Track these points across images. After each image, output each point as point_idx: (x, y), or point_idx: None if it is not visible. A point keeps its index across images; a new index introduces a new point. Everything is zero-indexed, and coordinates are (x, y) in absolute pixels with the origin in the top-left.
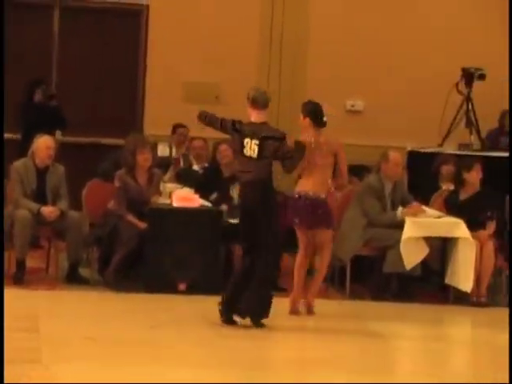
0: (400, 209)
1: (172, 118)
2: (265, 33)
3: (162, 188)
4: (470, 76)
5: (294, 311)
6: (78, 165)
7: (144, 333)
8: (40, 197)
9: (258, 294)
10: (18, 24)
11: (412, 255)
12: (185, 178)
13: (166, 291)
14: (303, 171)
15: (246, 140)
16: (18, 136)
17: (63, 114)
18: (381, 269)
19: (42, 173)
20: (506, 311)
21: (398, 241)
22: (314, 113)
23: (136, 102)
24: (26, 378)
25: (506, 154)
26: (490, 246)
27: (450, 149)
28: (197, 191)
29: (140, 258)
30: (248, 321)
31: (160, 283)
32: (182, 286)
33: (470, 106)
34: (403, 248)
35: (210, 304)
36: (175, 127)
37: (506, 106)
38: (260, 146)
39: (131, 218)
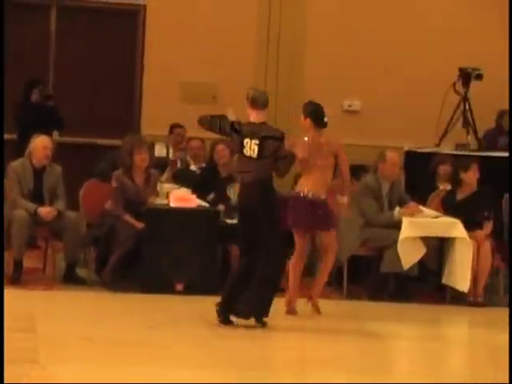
0: (397, 209)
1: (169, 118)
2: (262, 33)
3: (159, 188)
4: (467, 76)
5: (290, 311)
6: (75, 165)
7: (141, 333)
8: (37, 197)
9: (258, 293)
10: (15, 24)
11: (409, 255)
12: (182, 178)
13: (163, 291)
14: (303, 171)
15: (246, 140)
16: (15, 136)
17: (60, 114)
18: (378, 269)
19: (39, 173)
20: (503, 311)
21: (396, 241)
22: (315, 113)
23: (133, 102)
24: (25, 377)
25: (503, 154)
26: (487, 246)
27: (447, 149)
28: (194, 191)
29: (137, 258)
30: (242, 320)
31: (157, 283)
32: (179, 287)
33: (467, 106)
34: (400, 248)
35: (207, 304)
36: (172, 127)
37: (503, 106)
38: (260, 146)
39: (128, 218)
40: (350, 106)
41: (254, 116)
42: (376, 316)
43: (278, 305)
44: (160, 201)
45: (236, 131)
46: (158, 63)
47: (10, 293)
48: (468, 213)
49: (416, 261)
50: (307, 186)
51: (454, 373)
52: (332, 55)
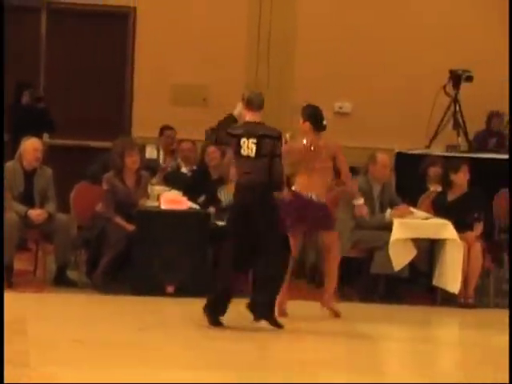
0: (388, 211)
1: (160, 120)
2: (252, 32)
3: (150, 190)
4: (457, 78)
5: (281, 313)
6: (66, 167)
7: (132, 335)
8: (27, 199)
9: (261, 296)
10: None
11: (400, 257)
12: (173, 180)
13: (154, 293)
14: (298, 173)
15: (243, 140)
16: (6, 138)
17: (51, 117)
18: (369, 270)
19: (29, 175)
20: (493, 312)
21: (387, 242)
22: (314, 117)
23: (124, 105)
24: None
25: (493, 156)
26: (478, 248)
27: (437, 150)
28: (185, 194)
29: (128, 260)
30: (232, 322)
31: (148, 285)
32: (169, 289)
33: (457, 108)
34: (391, 249)
35: (198, 306)
36: (163, 129)
37: (494, 108)
38: (258, 145)
39: (119, 220)
40: (340, 108)
41: (250, 117)
42: (367, 317)
43: None
44: (151, 203)
45: (232, 135)
46: (148, 65)
47: None
48: (458, 214)
49: (407, 262)
50: (306, 187)
51: (445, 373)
52: (322, 54)
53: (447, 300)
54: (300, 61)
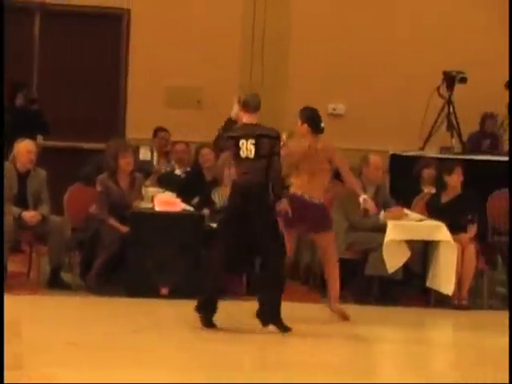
0: (382, 212)
1: (154, 121)
2: (247, 32)
3: (143, 192)
4: (451, 79)
5: None
6: (60, 169)
7: (126, 337)
8: (21, 201)
9: (267, 298)
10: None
11: (394, 258)
12: (167, 182)
13: (148, 295)
14: (298, 174)
15: (242, 141)
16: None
17: (45, 118)
18: (363, 272)
19: (23, 177)
20: (487, 314)
21: (381, 244)
22: (312, 119)
23: (118, 106)
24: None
25: (487, 157)
26: (471, 249)
27: (431, 152)
28: (179, 195)
29: (122, 262)
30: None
31: (142, 287)
32: (164, 290)
33: (451, 110)
34: (385, 251)
35: (192, 308)
36: (156, 131)
37: (487, 109)
38: (256, 145)
39: (113, 222)
40: (334, 109)
41: (247, 119)
42: (361, 319)
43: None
44: (145, 205)
45: (231, 138)
46: (142, 67)
47: None
48: (452, 216)
49: (401, 264)
50: (304, 189)
51: (441, 374)
52: (316, 54)
53: (441, 302)
54: (294, 61)
